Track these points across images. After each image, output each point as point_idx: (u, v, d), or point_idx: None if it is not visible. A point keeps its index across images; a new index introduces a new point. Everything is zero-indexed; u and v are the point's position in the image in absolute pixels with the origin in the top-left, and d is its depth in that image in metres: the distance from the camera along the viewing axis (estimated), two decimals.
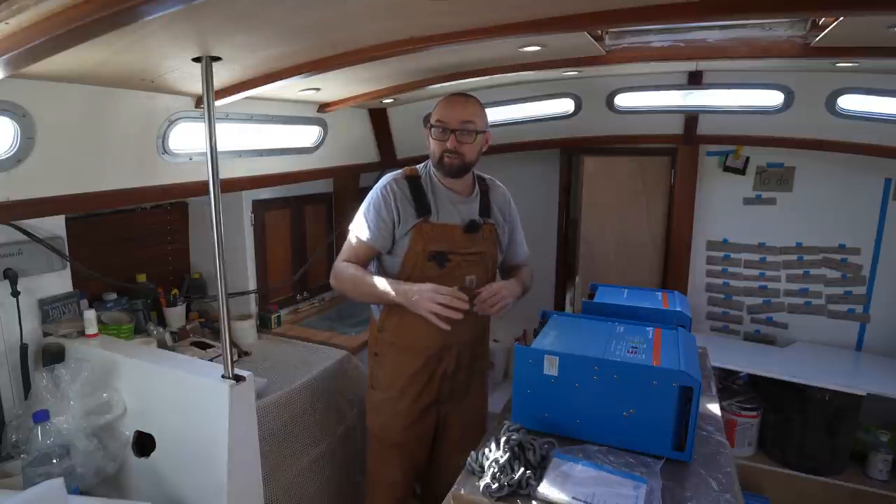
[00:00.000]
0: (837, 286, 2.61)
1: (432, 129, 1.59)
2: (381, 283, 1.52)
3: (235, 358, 1.92)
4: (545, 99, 2.59)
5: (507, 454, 1.12)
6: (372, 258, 1.67)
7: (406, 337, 1.65)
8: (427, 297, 1.42)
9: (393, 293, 1.49)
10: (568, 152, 3.02)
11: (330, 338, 2.31)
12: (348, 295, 1.63)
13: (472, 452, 1.18)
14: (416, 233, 1.59)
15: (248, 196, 2.32)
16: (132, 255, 2.10)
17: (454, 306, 1.39)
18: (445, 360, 1.68)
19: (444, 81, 1.89)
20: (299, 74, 1.44)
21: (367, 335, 1.94)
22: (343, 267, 1.61)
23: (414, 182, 1.63)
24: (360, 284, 1.57)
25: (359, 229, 1.63)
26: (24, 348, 1.49)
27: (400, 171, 1.68)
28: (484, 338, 1.81)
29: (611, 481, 1.09)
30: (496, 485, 1.07)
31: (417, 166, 1.69)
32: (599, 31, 1.65)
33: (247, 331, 2.25)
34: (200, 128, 1.56)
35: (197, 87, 1.55)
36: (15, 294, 1.46)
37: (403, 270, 1.61)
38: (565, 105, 2.63)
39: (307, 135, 2.30)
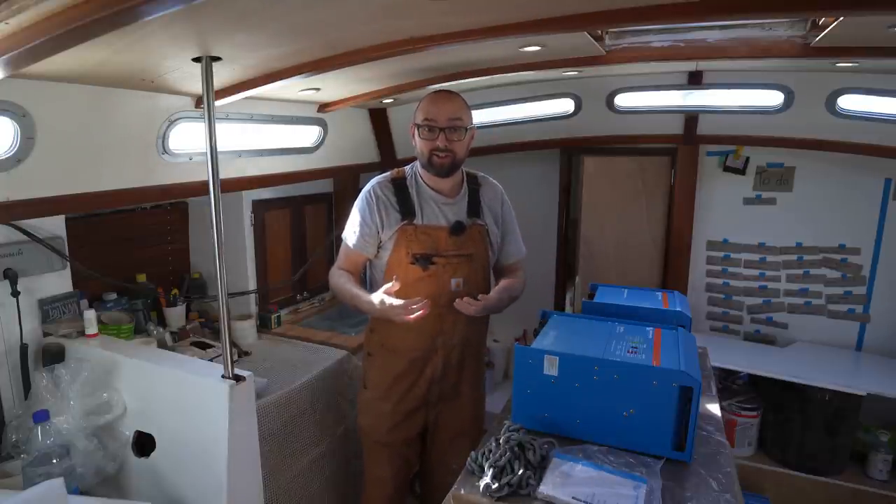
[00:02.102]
0: (837, 286, 2.61)
1: (419, 129, 1.58)
2: (357, 295, 1.58)
3: (235, 358, 1.92)
4: (545, 99, 2.59)
5: (507, 454, 1.12)
6: (364, 262, 1.70)
7: (393, 338, 1.66)
8: (389, 314, 1.47)
9: (364, 307, 1.56)
10: (568, 152, 3.02)
11: (330, 338, 2.31)
12: (340, 301, 1.68)
13: (472, 452, 1.18)
14: (401, 236, 1.59)
15: (248, 196, 2.32)
16: (132, 255, 2.10)
17: (413, 315, 1.44)
18: (432, 362, 1.67)
19: (444, 81, 1.89)
20: (299, 74, 1.44)
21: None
22: (333, 275, 1.69)
23: (399, 185, 1.64)
24: (344, 294, 1.64)
25: (348, 235, 1.67)
26: (24, 348, 1.49)
27: (386, 173, 1.69)
28: (475, 340, 1.75)
29: (611, 481, 1.09)
30: (496, 485, 1.07)
31: (405, 168, 1.70)
32: (599, 31, 1.65)
33: (247, 331, 2.25)
34: (200, 128, 1.56)
35: (197, 87, 1.55)
36: (15, 294, 1.46)
37: (388, 273, 1.62)
38: (565, 105, 2.63)
39: (307, 135, 2.30)
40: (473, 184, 1.70)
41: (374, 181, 1.67)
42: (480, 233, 1.66)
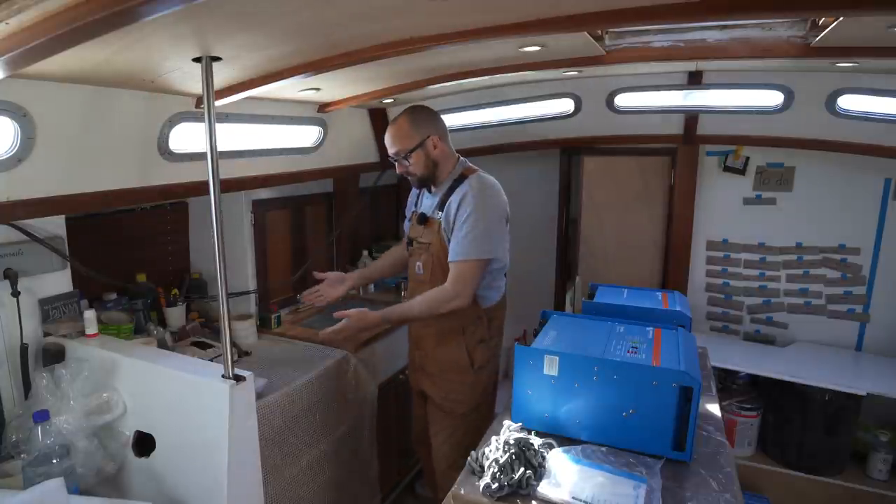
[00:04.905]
0: (837, 286, 2.61)
1: None
2: None
3: (235, 358, 1.91)
4: (545, 99, 2.59)
5: (507, 454, 1.12)
6: None
7: None
8: None
9: None
10: (568, 152, 3.02)
11: None
12: None
13: (472, 452, 1.18)
14: (410, 222, 1.95)
15: (248, 196, 2.32)
16: (132, 255, 2.10)
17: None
18: (411, 331, 1.95)
19: (444, 81, 1.89)
20: (299, 74, 1.44)
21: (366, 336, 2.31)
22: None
23: None
24: None
25: None
26: (24, 348, 1.49)
27: None
28: (429, 324, 1.81)
29: (611, 481, 1.09)
30: (496, 485, 1.07)
31: None
32: (599, 31, 1.65)
33: (247, 331, 2.25)
34: (201, 128, 1.56)
35: (197, 87, 1.55)
36: (15, 294, 1.46)
37: None
38: (565, 105, 2.63)
39: (307, 135, 2.30)
40: (457, 183, 1.77)
41: None
42: (438, 227, 1.78)
